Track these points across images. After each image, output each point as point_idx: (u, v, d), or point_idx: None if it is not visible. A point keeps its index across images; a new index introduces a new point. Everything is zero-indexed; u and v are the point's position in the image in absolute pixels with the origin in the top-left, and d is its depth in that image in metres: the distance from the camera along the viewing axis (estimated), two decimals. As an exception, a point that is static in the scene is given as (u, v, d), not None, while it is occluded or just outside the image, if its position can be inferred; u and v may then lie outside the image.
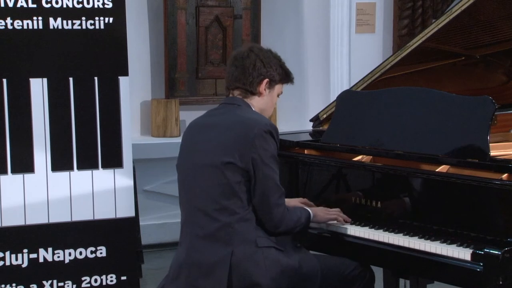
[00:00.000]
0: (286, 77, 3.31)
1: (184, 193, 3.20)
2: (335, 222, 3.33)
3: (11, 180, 4.26)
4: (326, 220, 3.32)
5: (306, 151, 3.72)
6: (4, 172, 4.25)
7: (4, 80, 4.25)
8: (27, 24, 4.28)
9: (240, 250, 3.03)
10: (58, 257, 4.36)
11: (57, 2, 4.32)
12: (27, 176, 4.29)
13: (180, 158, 3.26)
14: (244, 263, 3.02)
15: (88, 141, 4.39)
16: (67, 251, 4.37)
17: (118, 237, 4.46)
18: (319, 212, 3.30)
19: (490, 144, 3.13)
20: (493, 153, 3.17)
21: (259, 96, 3.22)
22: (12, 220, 4.26)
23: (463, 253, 2.93)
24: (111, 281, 4.46)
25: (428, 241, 3.07)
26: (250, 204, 3.08)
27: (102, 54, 4.41)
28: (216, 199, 3.07)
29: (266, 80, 3.21)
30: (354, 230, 3.28)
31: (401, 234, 3.17)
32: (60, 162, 4.34)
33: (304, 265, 3.13)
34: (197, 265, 3.08)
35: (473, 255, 2.90)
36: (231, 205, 3.05)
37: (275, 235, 3.14)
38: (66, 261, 4.37)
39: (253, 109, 3.21)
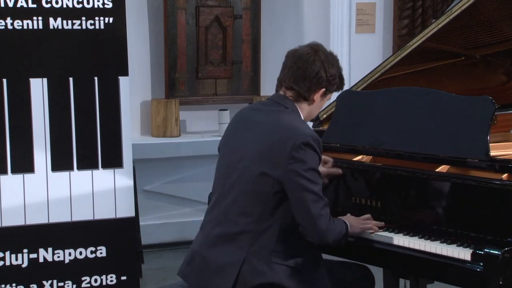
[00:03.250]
0: (340, 86, 3.21)
1: (217, 184, 3.13)
2: (370, 231, 3.20)
3: (11, 180, 4.26)
4: (361, 231, 3.18)
5: (306, 151, 3.71)
6: (4, 172, 4.25)
7: (4, 80, 4.25)
8: (27, 24, 4.28)
9: (252, 260, 2.95)
10: (58, 257, 4.36)
11: (57, 2, 4.32)
12: (27, 176, 4.29)
13: (222, 144, 3.17)
14: (252, 274, 2.95)
15: (88, 141, 4.39)
16: (67, 251, 4.37)
17: (118, 237, 4.46)
18: (353, 223, 3.15)
19: (490, 144, 3.13)
20: (493, 153, 3.17)
21: (310, 103, 3.11)
22: (12, 220, 4.26)
23: (463, 253, 2.93)
24: (111, 281, 4.46)
25: (428, 241, 3.07)
26: (276, 215, 2.98)
27: (102, 54, 4.41)
28: (243, 203, 2.99)
29: (323, 90, 3.10)
30: (354, 230, 3.28)
31: (401, 234, 3.17)
32: (60, 162, 4.34)
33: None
34: (208, 260, 3.03)
35: (473, 255, 2.90)
36: (255, 213, 2.97)
37: (325, 247, 3.04)
38: (66, 261, 4.37)
39: (301, 115, 3.10)
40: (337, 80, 3.16)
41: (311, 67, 3.07)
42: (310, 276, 3.03)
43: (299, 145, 2.93)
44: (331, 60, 3.13)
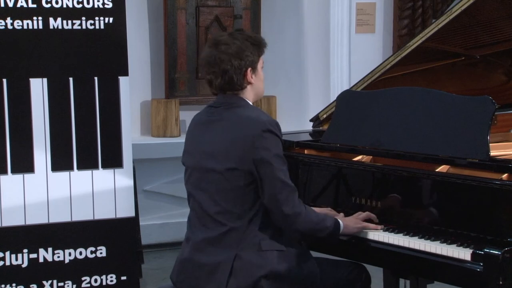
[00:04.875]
0: (260, 50, 3.16)
1: (190, 191, 3.17)
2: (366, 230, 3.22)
3: (11, 180, 4.26)
4: (357, 230, 3.20)
5: (306, 151, 3.72)
6: (4, 172, 4.25)
7: (4, 80, 4.25)
8: (27, 24, 4.28)
9: (243, 254, 3.00)
10: (58, 257, 4.36)
11: (57, 2, 4.32)
12: (27, 176, 4.29)
13: (185, 156, 3.22)
14: (246, 267, 2.99)
15: (88, 141, 4.39)
16: (67, 251, 4.37)
17: (118, 237, 4.46)
18: (349, 222, 3.18)
19: (490, 144, 3.13)
20: (493, 153, 3.17)
21: (249, 85, 3.12)
22: (12, 220, 4.27)
23: (463, 253, 2.93)
24: (111, 281, 4.47)
25: (428, 241, 3.07)
26: (256, 205, 3.04)
27: (102, 54, 4.41)
28: (221, 203, 3.03)
29: (248, 70, 3.10)
30: (354, 230, 3.28)
31: (401, 234, 3.17)
32: (60, 162, 4.34)
33: (305, 269, 3.10)
34: (199, 265, 3.06)
35: (473, 255, 2.90)
36: (236, 209, 3.02)
37: (297, 235, 3.09)
38: (66, 261, 4.37)
39: (248, 102, 3.13)
40: (253, 49, 3.11)
41: (222, 65, 3.06)
42: (298, 256, 3.09)
43: (260, 134, 2.98)
44: (234, 43, 3.08)
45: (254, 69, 3.13)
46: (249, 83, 3.12)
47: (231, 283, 2.99)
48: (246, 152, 2.99)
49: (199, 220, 3.11)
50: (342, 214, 3.34)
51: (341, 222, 3.16)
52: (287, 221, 3.03)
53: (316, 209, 3.26)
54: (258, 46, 3.17)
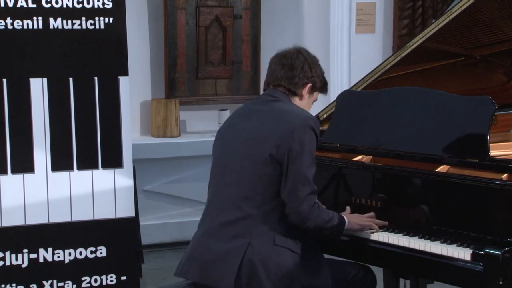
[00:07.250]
0: (324, 86, 3.31)
1: (214, 177, 3.20)
2: (369, 230, 3.23)
3: (11, 180, 4.26)
4: (360, 228, 3.22)
5: (306, 151, 3.72)
6: (4, 172, 4.25)
7: (4, 80, 4.25)
8: (27, 24, 4.28)
9: (257, 244, 3.01)
10: (58, 257, 4.36)
11: (57, 2, 4.32)
12: (27, 176, 4.29)
13: (217, 141, 3.26)
14: (258, 257, 2.99)
15: (88, 141, 4.39)
16: (67, 251, 4.37)
17: (118, 237, 4.46)
18: (352, 219, 3.21)
19: (490, 144, 3.13)
20: (493, 153, 3.17)
21: (300, 98, 3.22)
22: (12, 220, 4.26)
23: (463, 253, 2.93)
24: (111, 281, 4.46)
25: (428, 241, 3.08)
26: (277, 198, 3.05)
27: (102, 54, 4.41)
28: (245, 189, 3.06)
29: (309, 85, 3.22)
30: (354, 230, 3.28)
31: (401, 234, 3.17)
32: (60, 162, 4.34)
33: (317, 278, 3.08)
34: (210, 251, 3.07)
35: (473, 255, 2.90)
36: (259, 197, 3.04)
37: (305, 230, 3.09)
38: (66, 261, 4.37)
39: (293, 103, 3.20)
40: (322, 78, 3.27)
41: (296, 62, 3.20)
42: (311, 261, 3.09)
43: (301, 128, 3.05)
44: (314, 59, 3.27)
45: (312, 89, 3.24)
46: (302, 96, 3.23)
47: (242, 272, 2.99)
48: (283, 141, 3.03)
49: (216, 204, 3.13)
50: (348, 208, 3.35)
51: (345, 218, 3.18)
52: (299, 218, 3.04)
53: None
54: (325, 84, 3.31)
